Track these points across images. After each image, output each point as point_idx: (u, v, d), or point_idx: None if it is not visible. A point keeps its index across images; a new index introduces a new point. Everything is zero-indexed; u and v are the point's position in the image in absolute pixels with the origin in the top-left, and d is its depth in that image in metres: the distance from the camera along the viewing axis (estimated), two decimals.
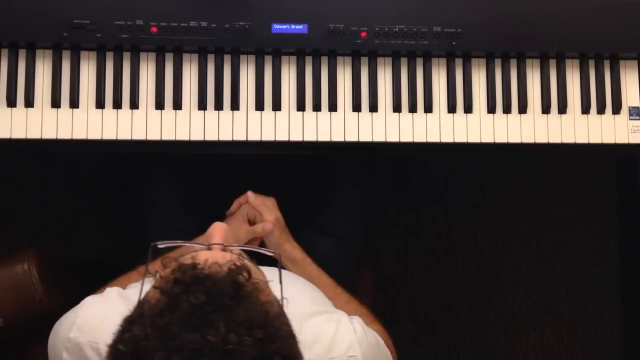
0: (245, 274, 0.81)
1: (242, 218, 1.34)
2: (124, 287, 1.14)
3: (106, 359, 0.79)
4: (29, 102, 1.32)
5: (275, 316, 0.80)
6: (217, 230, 0.94)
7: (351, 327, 1.06)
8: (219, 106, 1.35)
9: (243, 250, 0.92)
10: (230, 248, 0.90)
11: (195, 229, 1.31)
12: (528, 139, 1.40)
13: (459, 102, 1.39)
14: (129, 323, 0.79)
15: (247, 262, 0.86)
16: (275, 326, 0.79)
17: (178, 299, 0.77)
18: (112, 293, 1.09)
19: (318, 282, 1.25)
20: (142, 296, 0.84)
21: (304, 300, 1.10)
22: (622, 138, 1.41)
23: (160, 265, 0.86)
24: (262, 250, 0.99)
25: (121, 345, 0.77)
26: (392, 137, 1.37)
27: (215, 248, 0.90)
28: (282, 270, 0.92)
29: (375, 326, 1.19)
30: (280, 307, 0.85)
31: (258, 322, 0.77)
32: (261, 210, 1.33)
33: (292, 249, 1.33)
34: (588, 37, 1.40)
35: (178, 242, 0.96)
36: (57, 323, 1.07)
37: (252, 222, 1.35)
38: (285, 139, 1.36)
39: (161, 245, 0.94)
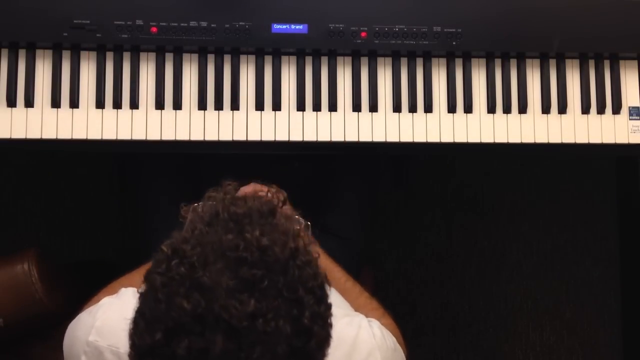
0: (281, 198, 0.91)
1: None
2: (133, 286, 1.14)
3: (150, 265, 0.84)
4: (29, 102, 1.32)
5: (307, 243, 0.86)
6: (250, 186, 1.04)
7: (371, 332, 1.07)
8: (219, 106, 1.35)
9: None
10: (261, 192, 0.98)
11: None
12: (528, 139, 1.40)
13: (459, 102, 1.39)
14: (169, 239, 0.84)
15: (282, 192, 0.95)
16: (306, 245, 0.85)
17: (217, 214, 0.84)
18: (128, 294, 1.08)
19: (329, 276, 1.26)
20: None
21: None
22: (622, 138, 1.41)
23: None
24: (295, 216, 1.01)
25: (163, 247, 0.83)
26: (392, 137, 1.37)
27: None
28: None
29: (386, 320, 1.19)
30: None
31: (291, 236, 0.83)
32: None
33: None
34: (588, 37, 1.40)
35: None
36: (73, 325, 1.06)
37: None
38: (285, 139, 1.36)
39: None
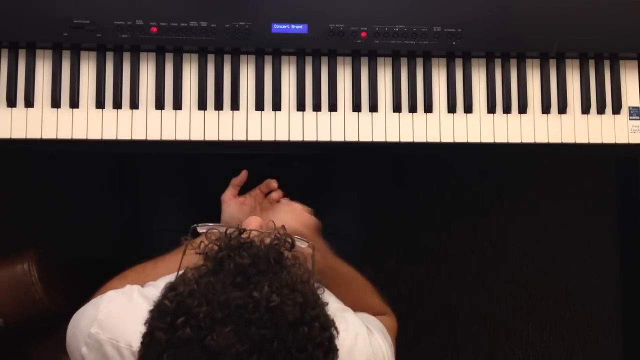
0: (287, 245, 0.86)
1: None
2: (139, 277, 1.14)
3: (151, 312, 0.81)
4: (29, 102, 1.32)
5: (315, 288, 0.84)
6: (254, 221, 1.00)
7: (368, 341, 1.07)
8: (219, 106, 1.35)
9: None
10: (267, 234, 0.93)
11: None
12: (528, 139, 1.40)
13: (459, 102, 1.39)
14: (173, 285, 0.81)
15: (290, 235, 0.91)
16: (315, 295, 0.82)
17: (223, 261, 0.81)
18: (133, 290, 1.08)
19: (336, 274, 1.23)
20: (181, 267, 0.87)
21: None
22: (622, 138, 1.41)
23: (204, 237, 0.90)
24: (297, 239, 0.98)
25: (166, 301, 0.79)
26: (392, 137, 1.37)
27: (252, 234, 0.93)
28: None
29: (388, 320, 1.21)
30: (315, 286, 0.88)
31: (300, 288, 0.80)
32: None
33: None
34: (588, 37, 1.40)
35: (218, 225, 0.98)
36: (77, 315, 1.06)
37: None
38: (285, 139, 1.36)
39: (201, 228, 0.97)
